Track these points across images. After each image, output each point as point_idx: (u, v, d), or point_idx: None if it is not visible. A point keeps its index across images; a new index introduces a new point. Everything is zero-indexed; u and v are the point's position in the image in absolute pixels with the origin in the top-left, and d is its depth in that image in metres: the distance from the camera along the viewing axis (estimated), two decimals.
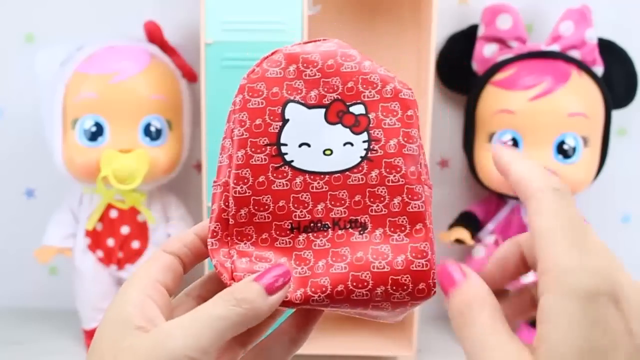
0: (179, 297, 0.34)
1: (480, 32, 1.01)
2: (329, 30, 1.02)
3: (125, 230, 0.97)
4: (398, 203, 0.34)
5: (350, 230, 0.34)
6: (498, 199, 1.02)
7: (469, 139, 1.01)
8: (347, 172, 0.34)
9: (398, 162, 0.34)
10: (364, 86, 0.34)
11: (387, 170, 0.34)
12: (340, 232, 0.34)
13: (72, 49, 0.94)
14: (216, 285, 0.35)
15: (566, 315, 0.24)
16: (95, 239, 0.97)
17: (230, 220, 0.34)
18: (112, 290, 1.00)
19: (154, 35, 0.97)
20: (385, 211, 0.34)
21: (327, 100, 0.34)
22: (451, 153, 1.10)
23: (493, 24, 0.98)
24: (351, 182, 0.34)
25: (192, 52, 1.00)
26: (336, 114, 0.34)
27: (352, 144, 0.34)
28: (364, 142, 0.34)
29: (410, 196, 0.34)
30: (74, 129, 0.92)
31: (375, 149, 0.34)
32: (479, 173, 1.00)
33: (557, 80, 0.93)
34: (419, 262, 0.33)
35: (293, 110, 0.34)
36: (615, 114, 1.01)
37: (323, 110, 0.34)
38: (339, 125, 0.34)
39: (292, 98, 0.34)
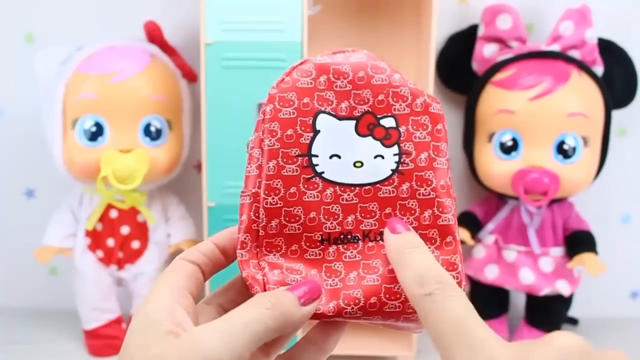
0: (198, 306, 0.34)
1: (480, 32, 1.01)
2: (329, 31, 1.02)
3: (125, 230, 0.97)
4: (429, 216, 0.34)
5: (381, 242, 0.34)
6: (498, 199, 1.02)
7: (469, 139, 1.01)
8: (378, 185, 0.34)
9: (429, 176, 0.34)
10: (395, 99, 0.35)
11: (418, 183, 0.34)
12: (370, 244, 0.34)
13: (72, 49, 0.94)
14: (236, 294, 0.35)
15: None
16: (95, 239, 0.97)
17: (261, 231, 0.34)
18: (112, 291, 1.00)
19: (154, 35, 0.97)
20: (415, 224, 0.34)
21: (358, 113, 0.34)
22: (451, 153, 1.09)
23: (493, 24, 0.98)
24: (382, 195, 0.34)
25: (192, 52, 1.00)
26: (367, 126, 0.34)
27: (382, 157, 0.34)
28: (395, 155, 0.34)
29: (440, 209, 0.34)
30: (74, 129, 0.92)
31: (406, 162, 0.34)
32: (479, 173, 1.00)
33: (557, 80, 0.93)
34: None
35: (324, 122, 0.34)
36: (615, 114, 1.01)
37: (354, 122, 0.34)
38: (370, 138, 0.34)
39: (323, 109, 0.34)
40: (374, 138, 0.34)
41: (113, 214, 0.97)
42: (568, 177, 0.93)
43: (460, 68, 1.04)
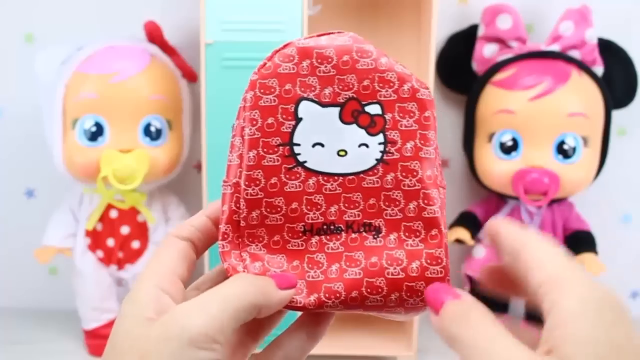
0: (188, 290, 0.34)
1: (480, 32, 1.01)
2: (329, 30, 1.02)
3: (125, 230, 0.97)
4: (414, 208, 0.33)
5: (364, 234, 0.33)
6: (498, 199, 1.02)
7: (469, 139, 1.01)
8: (362, 175, 0.33)
9: (414, 166, 0.33)
10: (381, 85, 0.33)
11: (403, 174, 0.33)
12: (353, 235, 0.33)
13: (72, 49, 0.94)
14: (225, 280, 0.35)
15: (588, 314, 0.25)
16: (95, 239, 0.97)
17: (242, 222, 0.33)
18: (112, 290, 1.00)
19: (154, 35, 0.97)
20: (400, 215, 0.33)
21: (342, 99, 0.33)
22: (451, 153, 1.10)
23: (493, 24, 0.98)
24: (366, 185, 0.33)
25: (192, 52, 1.00)
26: (351, 113, 0.33)
27: (367, 146, 0.33)
28: (380, 144, 0.33)
29: (426, 201, 0.33)
30: (74, 129, 0.92)
31: (391, 151, 0.33)
32: (479, 173, 1.00)
33: (557, 80, 0.93)
34: (433, 269, 0.32)
35: (306, 109, 0.33)
36: (615, 114, 1.01)
37: (337, 109, 0.33)
38: (354, 126, 0.33)
39: (305, 96, 0.33)
40: (359, 126, 0.33)
41: (113, 214, 0.97)
42: (568, 177, 0.93)
43: (460, 68, 1.04)
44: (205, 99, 0.88)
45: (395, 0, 1.02)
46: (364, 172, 0.33)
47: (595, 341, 0.24)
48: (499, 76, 0.97)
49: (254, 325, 0.35)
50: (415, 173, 0.33)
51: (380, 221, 0.33)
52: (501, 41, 0.99)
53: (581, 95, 0.94)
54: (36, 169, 1.10)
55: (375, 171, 0.33)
